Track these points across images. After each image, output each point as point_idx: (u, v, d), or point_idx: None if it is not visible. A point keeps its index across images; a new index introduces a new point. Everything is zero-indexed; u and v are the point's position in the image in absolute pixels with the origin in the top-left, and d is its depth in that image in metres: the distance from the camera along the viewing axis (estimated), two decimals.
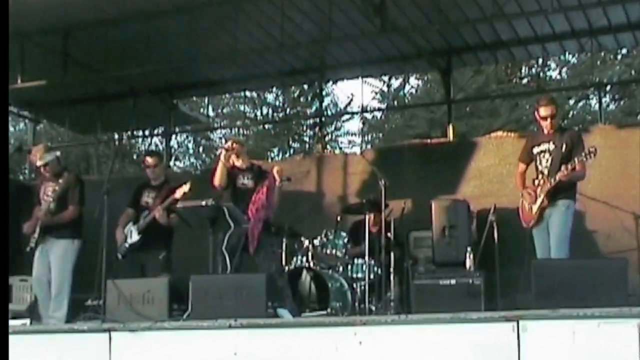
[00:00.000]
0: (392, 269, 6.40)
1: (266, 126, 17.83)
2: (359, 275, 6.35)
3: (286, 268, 6.32)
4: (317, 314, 5.93)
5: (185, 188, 5.85)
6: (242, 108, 17.75)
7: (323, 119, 13.66)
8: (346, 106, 17.03)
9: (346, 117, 17.44)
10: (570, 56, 13.72)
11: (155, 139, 16.17)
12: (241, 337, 4.24)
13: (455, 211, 6.78)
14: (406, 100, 13.94)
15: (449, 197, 7.35)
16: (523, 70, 15.95)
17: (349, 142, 17.40)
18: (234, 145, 5.94)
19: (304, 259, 6.34)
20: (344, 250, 6.38)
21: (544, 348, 3.66)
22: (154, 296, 5.06)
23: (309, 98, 17.25)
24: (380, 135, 17.14)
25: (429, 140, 9.16)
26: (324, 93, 15.06)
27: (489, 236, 6.09)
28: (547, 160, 5.45)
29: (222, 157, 5.86)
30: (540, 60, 13.92)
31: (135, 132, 11.05)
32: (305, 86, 15.25)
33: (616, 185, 6.97)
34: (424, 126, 14.96)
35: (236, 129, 19.07)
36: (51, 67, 7.92)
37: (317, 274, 6.22)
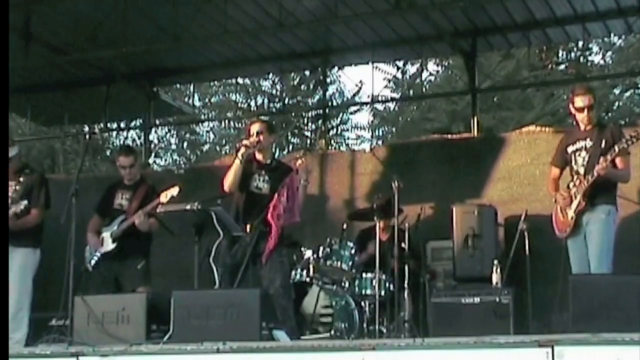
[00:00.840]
0: (406, 285, 6.42)
1: (261, 118, 17.86)
2: (368, 291, 6.36)
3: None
4: (319, 337, 5.94)
5: (174, 191, 5.82)
6: (233, 97, 17.79)
7: (327, 110, 13.68)
8: (354, 96, 17.09)
9: (354, 108, 17.49)
10: (616, 38, 13.68)
11: (132, 133, 16.27)
12: None
13: (480, 218, 6.79)
14: (424, 89, 13.93)
15: (472, 201, 7.37)
16: (560, 55, 15.97)
17: (357, 137, 17.48)
18: (261, 137, 5.67)
19: (304, 272, 6.34)
20: (350, 263, 6.39)
21: None
22: (129, 314, 5.06)
23: (311, 86, 17.28)
24: (393, 129, 17.15)
25: (449, 136, 9.18)
26: (328, 80, 15.17)
27: (519, 247, 6.08)
28: (584, 158, 5.37)
29: (239, 155, 5.57)
30: (581, 43, 13.94)
31: (108, 125, 11.06)
32: (307, 72, 15.25)
33: None
34: (444, 119, 14.96)
35: (226, 122, 19.16)
36: (10, 48, 7.90)
37: (320, 290, 6.22)
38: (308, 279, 6.29)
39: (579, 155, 5.42)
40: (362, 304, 6.33)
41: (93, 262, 6.25)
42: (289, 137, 17.74)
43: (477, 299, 5.67)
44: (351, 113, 17.52)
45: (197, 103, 17.76)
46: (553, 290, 5.45)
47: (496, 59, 12.27)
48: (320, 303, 6.14)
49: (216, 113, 18.58)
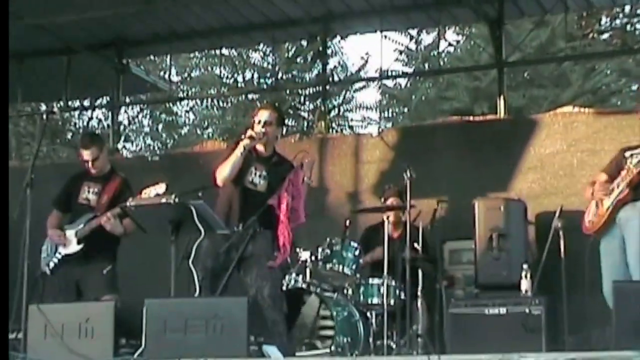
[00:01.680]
0: (419, 293, 6.44)
1: (250, 96, 17.86)
2: (375, 300, 6.38)
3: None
4: (317, 353, 5.94)
5: (159, 189, 5.69)
6: (217, 71, 17.78)
7: (327, 87, 13.62)
8: (359, 70, 17.09)
9: (359, 85, 17.50)
10: None
11: (98, 113, 16.24)
12: None
13: (507, 215, 6.79)
14: (441, 63, 13.90)
15: (498, 195, 7.39)
16: (603, 22, 15.93)
17: (363, 119, 17.47)
18: (269, 128, 5.73)
19: (300, 278, 6.36)
20: (354, 267, 6.40)
21: None
22: (94, 327, 5.06)
23: (309, 59, 17.27)
24: (405, 110, 17.15)
25: (471, 118, 9.17)
26: (328, 52, 15.14)
27: (553, 249, 6.09)
28: (638, 157, 5.40)
29: (242, 146, 5.63)
30: (628, 8, 13.90)
31: (69, 103, 11.03)
32: (304, 42, 15.26)
33: None
34: (464, 98, 14.96)
35: (208, 100, 19.15)
36: None
37: (318, 298, 6.22)
38: (304, 286, 6.30)
39: (635, 157, 5.42)
40: (368, 314, 6.35)
41: (52, 264, 6.24)
42: (283, 119, 17.79)
43: (502, 310, 5.69)
44: (355, 91, 17.52)
45: (174, 78, 17.81)
46: (593, 300, 5.44)
47: (527, 27, 12.20)
48: (319, 314, 6.14)
49: (197, 90, 18.56)
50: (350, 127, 17.42)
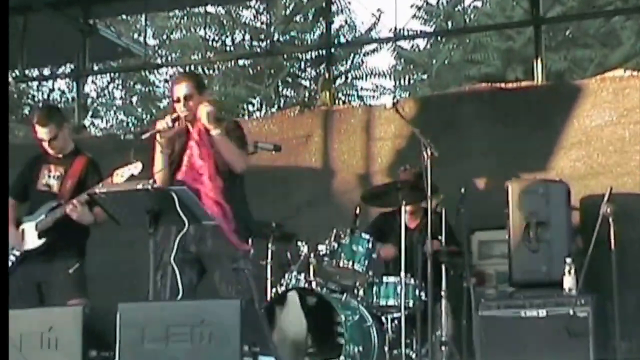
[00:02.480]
0: (443, 293, 6.45)
1: (240, 62, 17.85)
2: (391, 302, 6.42)
3: (272, 292, 6.41)
4: None
5: (134, 169, 5.75)
6: (201, 33, 17.75)
7: (332, 50, 13.59)
8: (369, 30, 17.03)
9: (369, 47, 17.45)
10: None
11: (61, 83, 16.24)
12: None
13: (547, 199, 6.77)
14: (466, 20, 13.86)
15: (536, 175, 7.39)
16: None
17: (375, 87, 17.45)
18: (191, 103, 5.67)
19: (302, 276, 6.40)
20: (366, 263, 6.42)
21: None
22: (58, 336, 5.03)
23: (310, 17, 17.23)
24: (425, 76, 17.13)
25: (503, 85, 9.13)
26: (333, 9, 15.08)
27: (601, 239, 6.06)
28: None
29: (158, 144, 5.71)
30: None
31: (27, 72, 11.01)
32: None
33: None
34: (495, 62, 14.93)
35: (192, 67, 19.10)
36: None
37: (323, 300, 6.26)
38: (306, 285, 6.33)
39: None
40: (383, 319, 6.38)
41: (10, 264, 6.24)
42: (280, 88, 17.71)
43: (542, 312, 5.69)
44: (365, 54, 17.48)
45: (151, 41, 17.77)
46: None
47: None
48: (325, 318, 6.18)
49: (177, 55, 18.54)
50: (360, 98, 17.43)
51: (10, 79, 9.50)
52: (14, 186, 6.44)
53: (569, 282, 6.03)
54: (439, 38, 17.17)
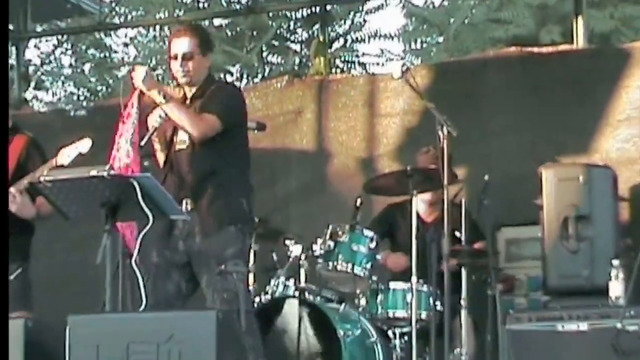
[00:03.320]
0: (462, 302, 6.48)
1: (217, 22, 17.80)
2: (399, 313, 6.43)
3: (257, 301, 6.38)
4: None
5: (82, 146, 5.84)
6: None
7: (328, 7, 13.58)
8: None
9: (374, 3, 17.41)
10: None
11: None
12: None
13: (589, 187, 6.77)
14: None
15: (575, 159, 7.42)
16: None
17: (380, 52, 17.39)
18: (190, 65, 5.77)
19: (291, 282, 6.43)
20: (368, 265, 6.45)
21: None
22: None
23: None
24: (441, 39, 17.12)
25: (536, 49, 9.12)
26: None
27: None
28: None
29: (151, 127, 5.74)
30: None
31: None
32: None
33: None
34: (526, 21, 14.91)
35: (156, 29, 19.03)
36: None
37: (317, 311, 6.28)
38: (297, 293, 6.36)
39: None
40: (390, 333, 6.39)
41: None
42: (264, 53, 17.68)
43: (583, 325, 5.70)
44: (369, 12, 17.43)
45: None
46: None
47: None
48: (319, 333, 6.20)
49: (139, 14, 18.50)
50: (362, 65, 17.40)
51: None
52: None
53: (615, 289, 6.03)
54: None
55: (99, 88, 19.51)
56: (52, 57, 19.52)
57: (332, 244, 6.41)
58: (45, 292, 6.43)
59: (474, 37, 15.60)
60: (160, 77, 18.41)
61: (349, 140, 8.38)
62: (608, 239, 6.66)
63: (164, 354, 4.61)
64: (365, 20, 17.47)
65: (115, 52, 20.03)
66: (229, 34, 17.67)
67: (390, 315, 6.43)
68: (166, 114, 5.63)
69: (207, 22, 17.86)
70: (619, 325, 5.67)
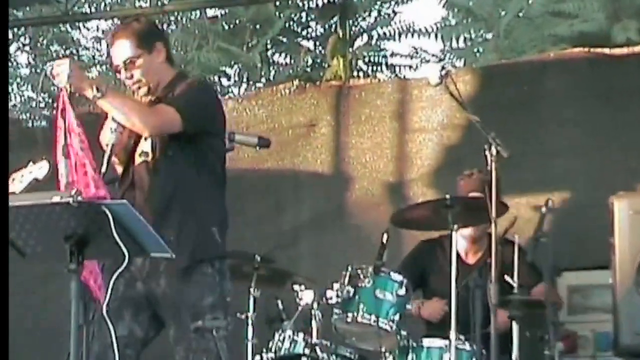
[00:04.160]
0: None
1: (210, 12, 17.86)
2: None
3: None
4: None
5: (37, 171, 5.90)
6: None
7: None
8: None
9: None
10: None
11: None
12: None
13: None
14: None
15: None
16: None
17: (414, 51, 17.38)
18: (135, 70, 5.79)
19: (300, 337, 6.46)
20: (396, 317, 6.46)
21: None
22: None
23: None
24: (488, 35, 17.13)
25: (608, 50, 9.10)
26: None
27: None
28: None
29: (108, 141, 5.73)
30: None
31: None
32: None
33: None
34: (597, 15, 14.89)
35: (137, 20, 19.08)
36: None
37: None
38: (307, 351, 6.39)
39: None
40: None
41: None
42: (269, 52, 17.70)
43: None
44: (399, 2, 17.47)
45: None
46: None
47: None
48: None
49: (114, 2, 18.59)
50: (390, 68, 17.38)
51: None
52: None
53: None
54: None
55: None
56: (9, 56, 19.61)
57: (351, 290, 6.41)
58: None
59: (531, 34, 15.56)
60: None
61: (374, 161, 8.39)
62: None
63: None
64: (395, 12, 17.41)
65: (86, 48, 20.05)
66: (226, 27, 17.69)
67: None
68: (118, 124, 5.61)
69: (198, 13, 17.98)
70: None
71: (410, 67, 17.19)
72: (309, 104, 8.72)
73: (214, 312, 5.51)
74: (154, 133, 5.58)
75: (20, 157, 5.98)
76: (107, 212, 5.10)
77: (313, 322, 6.44)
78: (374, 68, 17.25)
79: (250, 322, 6.88)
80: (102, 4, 18.45)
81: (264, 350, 6.52)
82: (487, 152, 6.02)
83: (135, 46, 5.77)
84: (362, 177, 8.38)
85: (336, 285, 6.42)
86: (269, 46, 17.52)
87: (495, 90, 8.20)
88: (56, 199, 5.17)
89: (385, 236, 6.59)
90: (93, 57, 20.17)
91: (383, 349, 6.47)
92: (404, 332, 6.46)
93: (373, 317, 6.38)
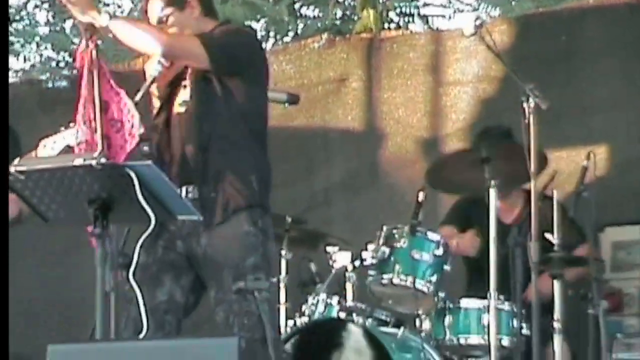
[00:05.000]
0: (557, 324, 6.38)
1: None
2: (474, 339, 6.48)
3: (290, 324, 6.41)
4: None
5: (70, 137, 5.88)
6: None
7: None
8: None
9: None
10: None
11: None
12: None
13: None
14: None
15: None
16: None
17: (447, 0, 17.27)
18: (170, 18, 5.81)
19: (334, 300, 6.48)
20: (434, 278, 6.46)
21: None
22: None
23: None
24: None
25: None
26: None
27: None
28: None
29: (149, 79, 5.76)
30: None
31: None
32: None
33: None
34: None
35: None
36: None
37: (369, 336, 6.25)
38: (342, 314, 6.40)
39: None
40: None
41: None
42: (296, 5, 17.67)
43: None
44: None
45: None
46: None
47: None
48: None
49: None
50: (423, 19, 17.30)
51: None
52: None
53: None
54: None
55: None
56: (23, 13, 19.60)
57: (387, 250, 6.40)
58: (20, 318, 6.41)
59: None
60: None
61: (408, 116, 8.37)
62: None
63: None
64: None
65: (106, 4, 20.05)
66: None
67: (462, 342, 6.48)
68: (165, 59, 5.64)
69: None
70: None
71: (444, 17, 17.11)
72: (338, 58, 8.72)
73: (257, 273, 5.51)
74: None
75: (41, 121, 5.96)
76: (132, 174, 5.11)
77: (347, 284, 6.47)
78: (406, 19, 17.14)
79: (282, 285, 6.89)
80: None
81: (297, 314, 6.54)
82: (524, 105, 6.00)
83: (165, 4, 5.82)
84: (395, 133, 8.37)
85: (371, 247, 6.41)
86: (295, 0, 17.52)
87: (532, 41, 8.20)
88: (79, 161, 5.19)
89: (421, 194, 6.57)
90: (113, 12, 20.18)
91: (420, 312, 6.51)
92: (441, 294, 6.47)
93: (409, 279, 6.39)
